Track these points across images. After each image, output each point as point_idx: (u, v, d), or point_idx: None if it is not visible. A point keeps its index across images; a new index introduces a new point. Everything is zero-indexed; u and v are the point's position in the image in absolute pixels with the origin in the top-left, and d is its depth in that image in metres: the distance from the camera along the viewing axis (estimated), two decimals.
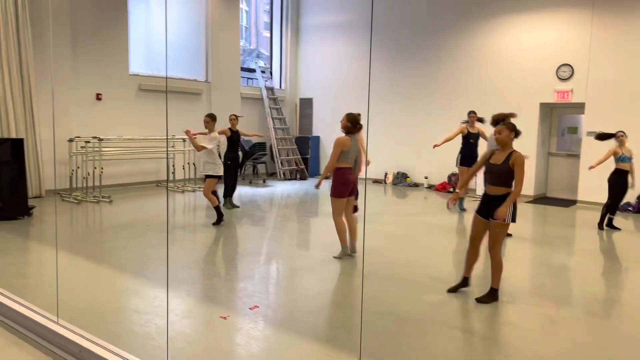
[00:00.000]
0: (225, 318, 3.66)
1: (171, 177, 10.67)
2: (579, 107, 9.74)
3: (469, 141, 8.25)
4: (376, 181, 12.41)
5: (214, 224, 6.74)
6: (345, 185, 5.18)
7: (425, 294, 4.33)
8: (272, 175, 13.06)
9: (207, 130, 7.02)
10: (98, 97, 9.69)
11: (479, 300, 4.11)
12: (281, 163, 12.69)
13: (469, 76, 10.92)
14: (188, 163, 10.91)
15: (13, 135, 7.99)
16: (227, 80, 12.07)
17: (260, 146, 12.25)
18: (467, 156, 8.13)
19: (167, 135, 10.68)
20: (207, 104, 11.65)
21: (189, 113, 11.32)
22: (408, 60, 11.81)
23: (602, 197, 9.41)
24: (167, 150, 10.59)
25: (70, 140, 8.98)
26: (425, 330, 3.55)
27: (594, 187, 9.47)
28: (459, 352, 3.23)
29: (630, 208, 8.91)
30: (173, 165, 10.70)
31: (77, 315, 3.58)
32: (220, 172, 6.96)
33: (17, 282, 4.32)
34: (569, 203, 9.75)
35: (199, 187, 10.25)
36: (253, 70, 13.19)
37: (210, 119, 7.04)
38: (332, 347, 3.23)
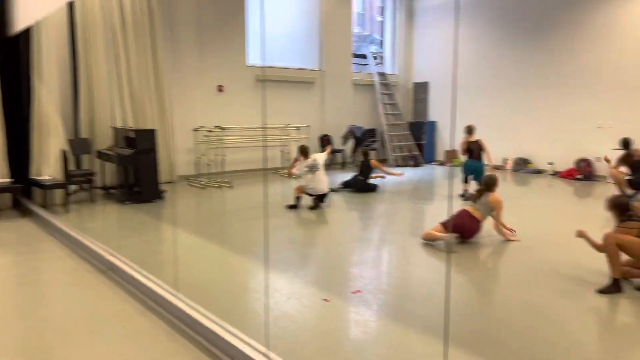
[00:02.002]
0: (327, 300, 3.76)
1: (286, 164, 11.12)
2: None
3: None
4: (495, 167, 11.77)
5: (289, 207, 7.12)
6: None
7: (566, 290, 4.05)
8: (383, 162, 12.99)
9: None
10: (219, 88, 10.38)
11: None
12: (393, 149, 12.57)
13: (598, 52, 9.85)
14: None
15: (148, 126, 8.88)
16: (339, 68, 12.22)
17: (371, 132, 12.25)
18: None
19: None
20: (320, 92, 11.91)
21: (302, 101, 11.70)
22: (528, 35, 10.97)
23: None
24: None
25: (196, 130, 9.76)
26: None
27: None
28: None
29: None
30: (288, 152, 11.13)
31: (195, 290, 3.92)
32: (318, 193, 7.13)
33: (148, 259, 4.83)
34: None
35: None
36: (365, 56, 13.18)
37: (301, 153, 7.32)
38: (431, 337, 3.17)
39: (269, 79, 11.09)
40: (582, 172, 10.00)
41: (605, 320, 3.53)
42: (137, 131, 7.67)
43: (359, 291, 3.97)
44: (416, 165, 12.43)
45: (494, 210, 5.33)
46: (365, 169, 8.59)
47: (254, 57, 10.92)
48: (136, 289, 3.95)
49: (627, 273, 4.03)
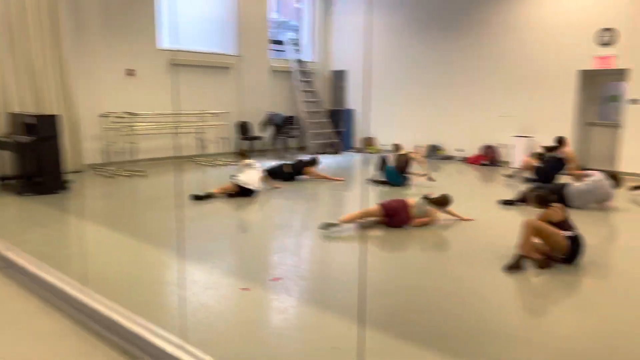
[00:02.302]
0: (246, 290, 3.72)
1: (203, 152, 10.82)
2: (621, 74, 9.25)
3: None
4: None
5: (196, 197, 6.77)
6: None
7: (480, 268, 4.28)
8: (303, 149, 13.05)
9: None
10: (129, 72, 9.85)
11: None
12: (312, 137, 12.66)
13: (502, 44, 10.51)
14: (220, 137, 11.04)
15: (50, 112, 8.24)
16: (256, 54, 12.05)
17: (290, 120, 12.23)
18: None
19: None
20: (238, 77, 11.69)
21: (219, 87, 11.42)
22: (440, 30, 11.45)
23: None
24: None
25: (104, 116, 9.21)
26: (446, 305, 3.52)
27: (635, 158, 9.10)
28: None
29: None
30: (205, 140, 10.83)
31: (105, 285, 3.72)
32: (247, 185, 7.03)
33: (52, 254, 4.50)
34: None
35: (230, 162, 10.38)
36: (282, 43, 13.08)
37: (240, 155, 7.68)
38: (351, 320, 3.25)
39: (183, 64, 10.69)
40: (488, 158, 10.68)
41: (510, 294, 3.80)
42: (38, 117, 7.09)
43: (279, 279, 3.97)
44: (335, 152, 12.61)
45: (428, 216, 5.59)
46: (297, 170, 8.47)
47: (166, 40, 10.46)
48: (39, 287, 3.67)
49: (530, 253, 4.38)
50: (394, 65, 12.38)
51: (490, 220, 5.95)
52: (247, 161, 7.41)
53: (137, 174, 8.74)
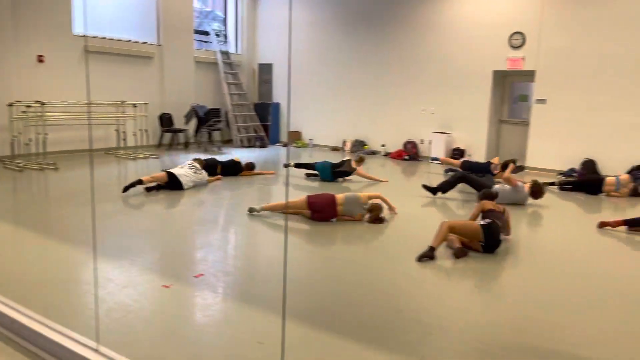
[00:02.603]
0: (167, 287, 3.61)
1: (122, 144, 10.34)
2: (530, 75, 9.92)
3: None
4: (335, 149, 12.42)
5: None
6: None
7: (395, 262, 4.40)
8: (228, 142, 12.86)
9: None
10: (40, 59, 9.20)
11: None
12: (238, 130, 12.49)
13: (424, 44, 10.92)
14: (140, 129, 10.61)
15: None
16: (179, 44, 11.67)
17: (215, 112, 11.99)
18: None
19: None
20: (160, 68, 11.27)
21: (139, 77, 10.97)
22: (365, 27, 11.68)
23: (548, 163, 9.77)
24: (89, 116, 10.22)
25: (11, 105, 8.54)
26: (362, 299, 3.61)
27: (541, 154, 9.81)
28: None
29: (574, 173, 9.23)
30: (124, 132, 10.36)
31: (12, 287, 3.47)
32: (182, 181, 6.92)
33: None
34: (517, 169, 10.02)
35: (151, 154, 10.02)
36: (208, 33, 12.77)
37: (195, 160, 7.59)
38: (275, 314, 3.25)
39: (100, 51, 10.12)
40: (409, 153, 11.06)
41: (428, 284, 3.97)
42: None
43: (201, 274, 3.88)
44: (262, 146, 12.53)
45: (354, 215, 5.56)
46: (232, 170, 8.24)
47: (81, 26, 9.86)
48: None
49: (448, 242, 4.62)
50: (320, 61, 12.47)
51: (411, 213, 6.18)
52: (195, 163, 7.35)
53: (48, 167, 8.20)
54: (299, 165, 8.30)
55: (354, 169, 8.00)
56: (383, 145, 11.72)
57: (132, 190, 6.52)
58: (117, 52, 10.39)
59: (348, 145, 12.17)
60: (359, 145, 11.99)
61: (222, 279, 3.84)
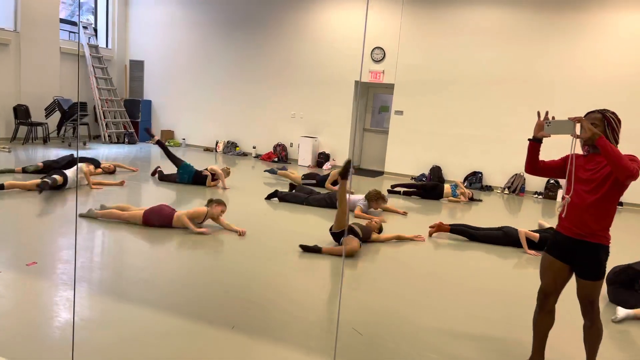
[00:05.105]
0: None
1: None
2: (390, 88, 10.87)
3: None
4: (207, 149, 12.47)
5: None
6: None
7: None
8: (96, 138, 12.33)
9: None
10: None
11: None
12: (106, 125, 12.03)
13: (296, 51, 11.43)
14: None
15: None
16: (42, 32, 10.97)
17: (81, 106, 11.45)
18: None
19: None
20: (16, 57, 10.52)
21: None
22: (239, 30, 11.93)
23: (404, 169, 10.76)
24: None
25: None
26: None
27: (397, 160, 10.77)
28: None
29: (424, 179, 10.28)
30: None
31: None
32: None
33: None
34: (377, 174, 10.92)
35: (4, 148, 9.34)
36: (76, 24, 12.15)
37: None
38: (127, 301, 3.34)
39: None
40: (278, 156, 11.49)
41: (303, 279, 4.30)
42: None
43: (34, 263, 3.84)
44: (131, 142, 12.19)
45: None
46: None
47: None
48: None
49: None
50: (194, 60, 12.47)
51: (258, 213, 6.51)
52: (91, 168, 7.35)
53: None
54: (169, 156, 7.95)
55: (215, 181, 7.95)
56: (254, 147, 12.03)
57: None
58: None
59: (220, 147, 12.30)
60: (230, 146, 12.17)
61: (55, 267, 3.83)
